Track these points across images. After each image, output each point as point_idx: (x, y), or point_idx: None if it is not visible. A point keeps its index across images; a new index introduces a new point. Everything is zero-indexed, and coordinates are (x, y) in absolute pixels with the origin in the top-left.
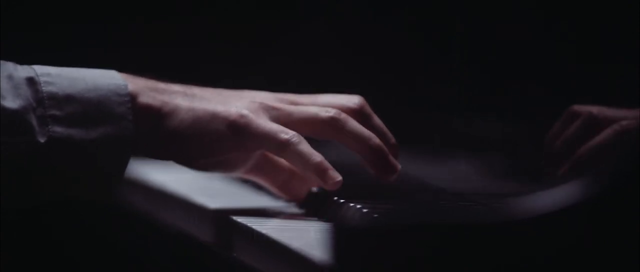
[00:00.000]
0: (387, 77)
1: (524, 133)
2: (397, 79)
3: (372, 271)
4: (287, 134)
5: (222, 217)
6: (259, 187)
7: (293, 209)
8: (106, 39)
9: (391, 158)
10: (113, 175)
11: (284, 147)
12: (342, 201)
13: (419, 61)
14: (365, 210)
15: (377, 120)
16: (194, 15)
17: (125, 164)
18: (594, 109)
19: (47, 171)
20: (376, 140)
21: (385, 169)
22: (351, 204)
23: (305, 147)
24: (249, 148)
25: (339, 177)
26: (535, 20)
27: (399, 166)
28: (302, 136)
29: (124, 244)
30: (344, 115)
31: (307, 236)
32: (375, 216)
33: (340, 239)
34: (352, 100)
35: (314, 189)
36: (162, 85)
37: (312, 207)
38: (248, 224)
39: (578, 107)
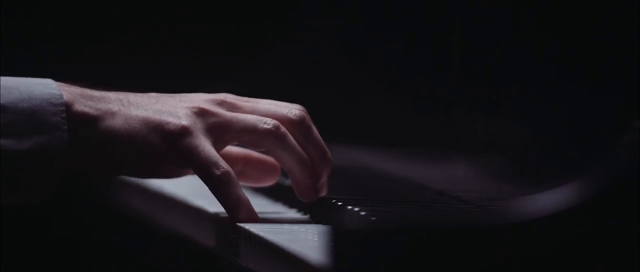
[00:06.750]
0: (387, 78)
1: (524, 133)
2: (397, 79)
3: None
4: (219, 169)
5: (221, 220)
6: (257, 190)
7: (291, 211)
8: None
9: (313, 186)
10: (46, 185)
11: (213, 183)
12: (340, 203)
13: (419, 61)
14: (363, 213)
15: (315, 133)
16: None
17: (58, 174)
18: None
19: None
20: (306, 165)
21: (306, 195)
22: (349, 207)
23: (233, 189)
24: (180, 165)
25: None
26: (535, 20)
27: (323, 192)
28: (239, 144)
29: (124, 246)
30: (282, 130)
31: (305, 239)
32: (374, 218)
33: (339, 242)
34: (293, 111)
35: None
36: (97, 93)
37: (310, 209)
38: (246, 227)
39: None
